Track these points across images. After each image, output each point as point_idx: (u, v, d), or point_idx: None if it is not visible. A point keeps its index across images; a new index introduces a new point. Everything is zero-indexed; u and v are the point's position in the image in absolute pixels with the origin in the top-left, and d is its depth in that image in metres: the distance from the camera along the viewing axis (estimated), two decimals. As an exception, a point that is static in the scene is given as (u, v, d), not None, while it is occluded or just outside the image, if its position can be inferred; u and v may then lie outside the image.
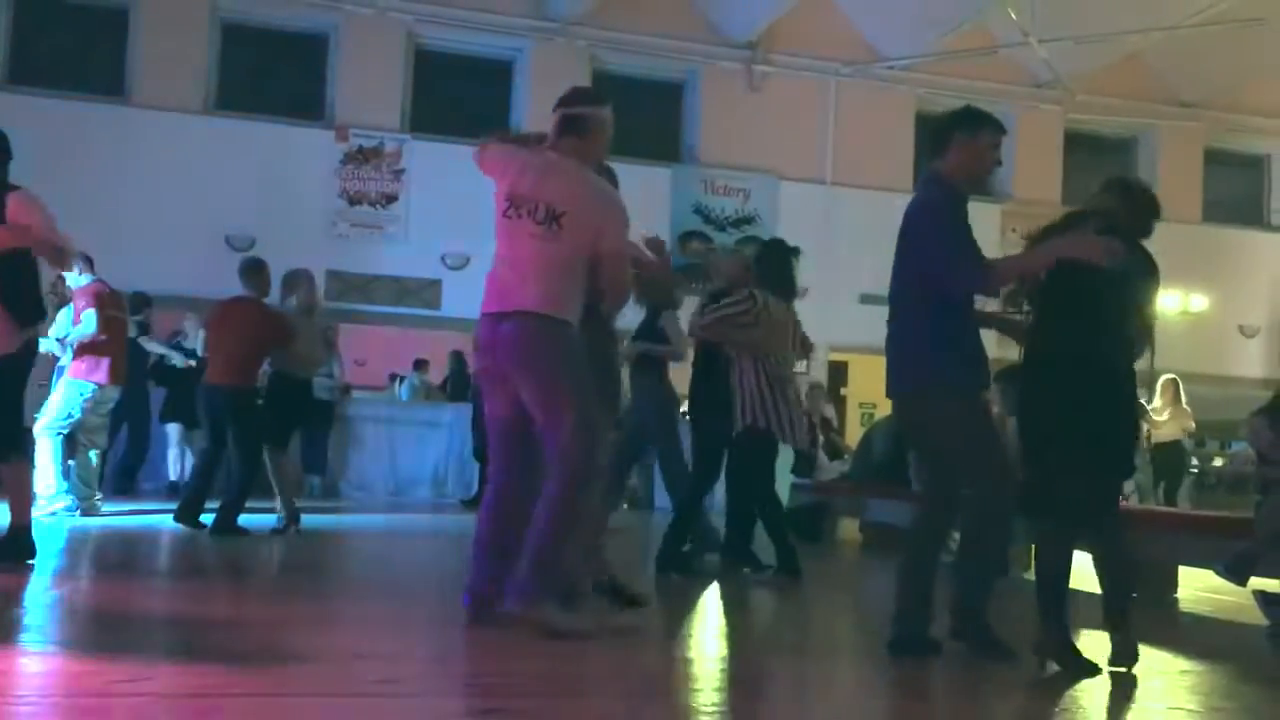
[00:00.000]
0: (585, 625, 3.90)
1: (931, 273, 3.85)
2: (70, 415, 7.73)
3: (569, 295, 3.98)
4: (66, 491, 7.86)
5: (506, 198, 4.06)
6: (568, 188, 4.00)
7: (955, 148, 3.97)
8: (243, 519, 7.06)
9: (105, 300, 7.83)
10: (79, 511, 7.89)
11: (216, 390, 7.24)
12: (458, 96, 14.21)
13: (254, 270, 7.39)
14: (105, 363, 7.76)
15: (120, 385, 8.01)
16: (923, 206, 3.96)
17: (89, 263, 7.95)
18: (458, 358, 11.94)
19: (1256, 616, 5.03)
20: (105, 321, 7.78)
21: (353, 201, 13.49)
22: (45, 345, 7.82)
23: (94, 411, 7.87)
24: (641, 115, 14.89)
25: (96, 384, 7.75)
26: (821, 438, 11.47)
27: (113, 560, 6.07)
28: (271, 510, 7.33)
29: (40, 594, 4.72)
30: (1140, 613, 4.09)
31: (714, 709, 3.23)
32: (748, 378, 5.87)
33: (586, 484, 3.92)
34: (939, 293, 3.86)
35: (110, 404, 8.01)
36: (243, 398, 7.21)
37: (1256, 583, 5.10)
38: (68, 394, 7.74)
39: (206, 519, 7.09)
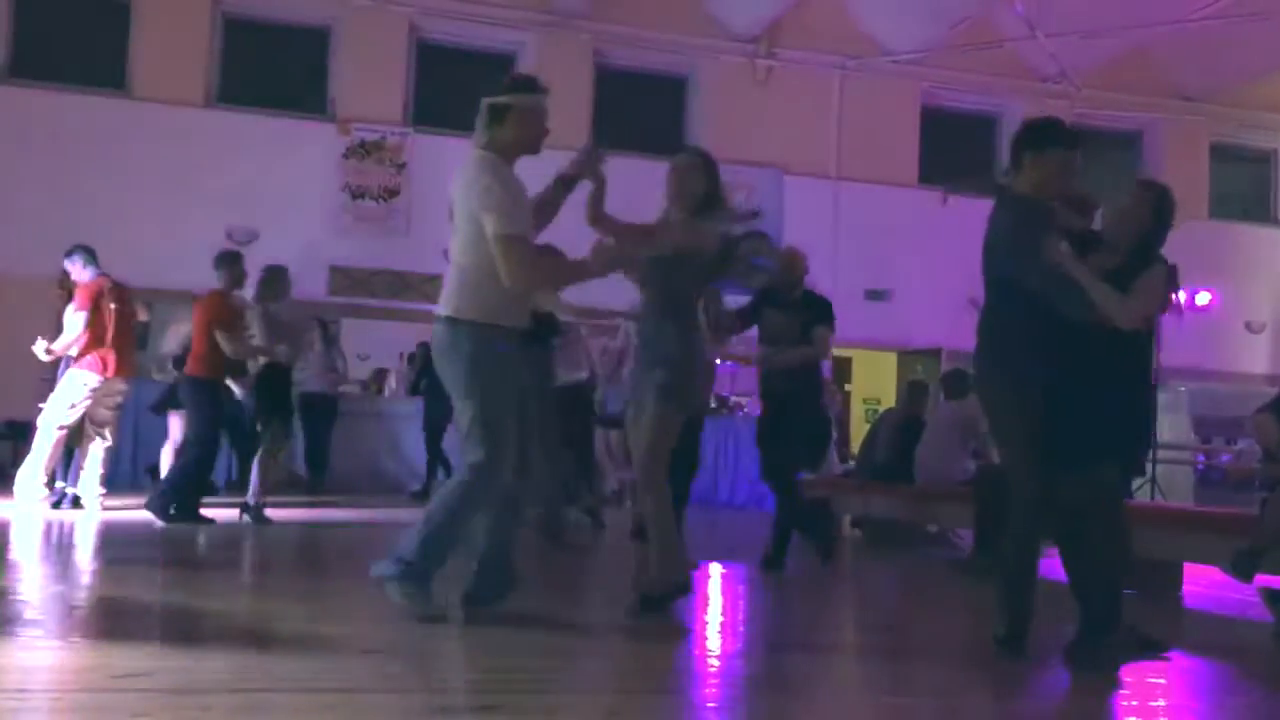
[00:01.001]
0: (430, 610, 3.96)
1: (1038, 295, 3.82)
2: (71, 405, 7.71)
3: (472, 292, 3.95)
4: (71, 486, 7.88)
5: None
6: (458, 179, 4.02)
7: (1027, 165, 3.93)
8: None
9: (107, 295, 7.80)
10: (75, 504, 7.89)
11: (183, 380, 7.56)
12: (460, 90, 14.11)
13: (222, 261, 7.58)
14: (110, 355, 7.76)
15: (128, 377, 7.99)
16: (1002, 230, 3.91)
17: (92, 256, 7.92)
18: (426, 349, 11.83)
19: (1262, 613, 5.00)
20: (109, 315, 7.76)
21: (355, 195, 13.47)
22: (35, 348, 7.81)
23: (101, 404, 7.84)
24: (645, 109, 14.89)
25: (100, 376, 7.74)
26: (835, 434, 11.45)
27: (109, 555, 6.05)
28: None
29: (37, 588, 4.71)
30: (1146, 609, 4.07)
31: (711, 705, 3.21)
32: None
33: (473, 495, 3.96)
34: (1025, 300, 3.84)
35: (119, 396, 7.99)
36: (197, 386, 7.40)
37: (1262, 580, 5.08)
38: (69, 385, 7.73)
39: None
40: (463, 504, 3.97)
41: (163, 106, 12.87)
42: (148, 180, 12.46)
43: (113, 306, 7.85)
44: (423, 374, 11.56)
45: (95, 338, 7.72)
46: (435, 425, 10.79)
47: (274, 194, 12.85)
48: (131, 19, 13.23)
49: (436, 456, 10.97)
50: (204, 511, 7.33)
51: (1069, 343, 3.86)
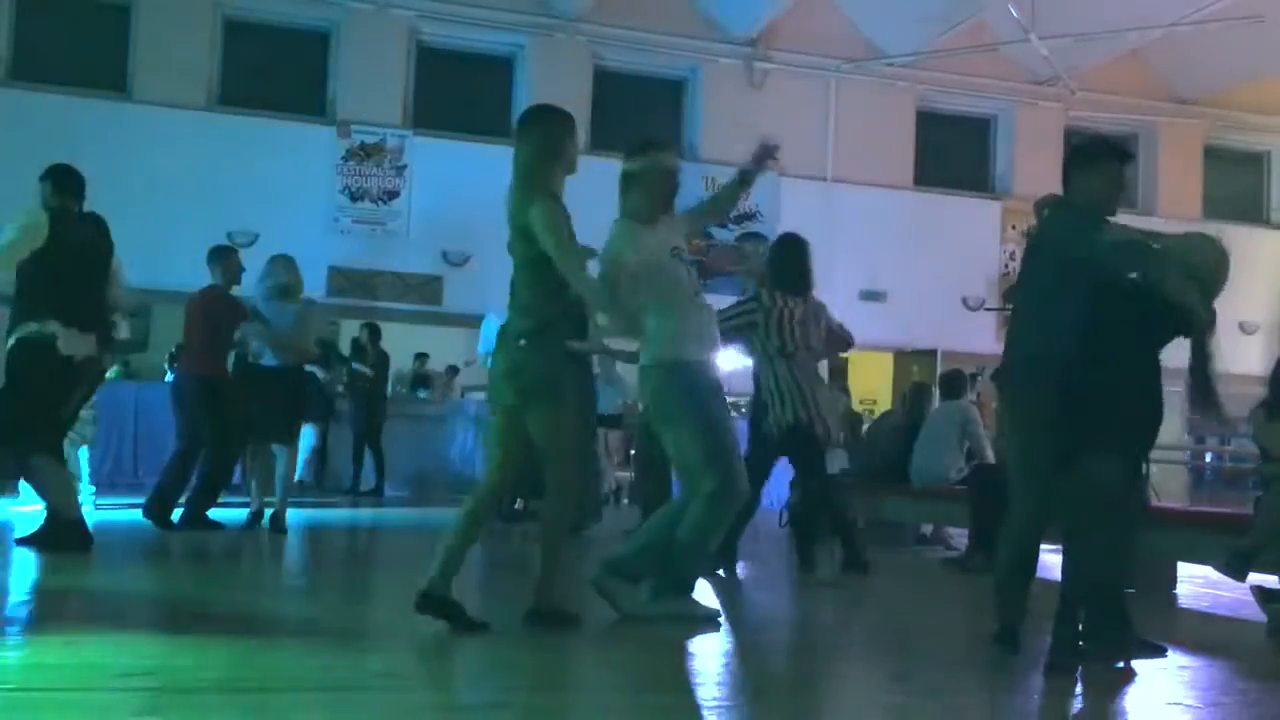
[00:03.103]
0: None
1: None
2: None
3: None
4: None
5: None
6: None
7: (1076, 182, 4.00)
8: (219, 513, 7.06)
9: None
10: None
11: (183, 380, 7.29)
12: (459, 93, 14.22)
13: (214, 257, 7.29)
14: None
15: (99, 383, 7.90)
16: (1058, 225, 4.00)
17: None
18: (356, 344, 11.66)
19: (1255, 612, 5.05)
20: None
21: (354, 197, 13.51)
22: None
23: None
24: (642, 112, 14.93)
25: None
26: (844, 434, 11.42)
27: (107, 554, 6.06)
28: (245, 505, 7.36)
29: (36, 587, 4.73)
30: (1139, 608, 4.12)
31: (715, 704, 3.25)
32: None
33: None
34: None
35: (92, 396, 7.89)
36: (205, 386, 7.05)
37: (1255, 578, 5.12)
38: None
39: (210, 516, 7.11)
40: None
41: (163, 109, 12.91)
42: (148, 183, 12.49)
43: None
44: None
45: None
46: (372, 425, 10.84)
47: (274, 196, 12.89)
48: (132, 22, 13.26)
49: (360, 457, 10.92)
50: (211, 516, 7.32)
51: (1098, 343, 3.86)
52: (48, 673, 3.17)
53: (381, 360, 11.29)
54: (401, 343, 13.99)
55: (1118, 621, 3.84)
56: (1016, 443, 4.12)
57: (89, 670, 3.17)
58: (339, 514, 9.00)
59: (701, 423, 4.21)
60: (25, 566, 5.24)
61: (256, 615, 4.29)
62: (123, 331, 8.25)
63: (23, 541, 5.54)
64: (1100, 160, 4.00)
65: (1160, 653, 3.98)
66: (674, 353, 4.26)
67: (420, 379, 13.12)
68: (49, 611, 4.19)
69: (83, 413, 7.82)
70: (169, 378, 10.82)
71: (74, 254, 5.53)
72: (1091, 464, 3.75)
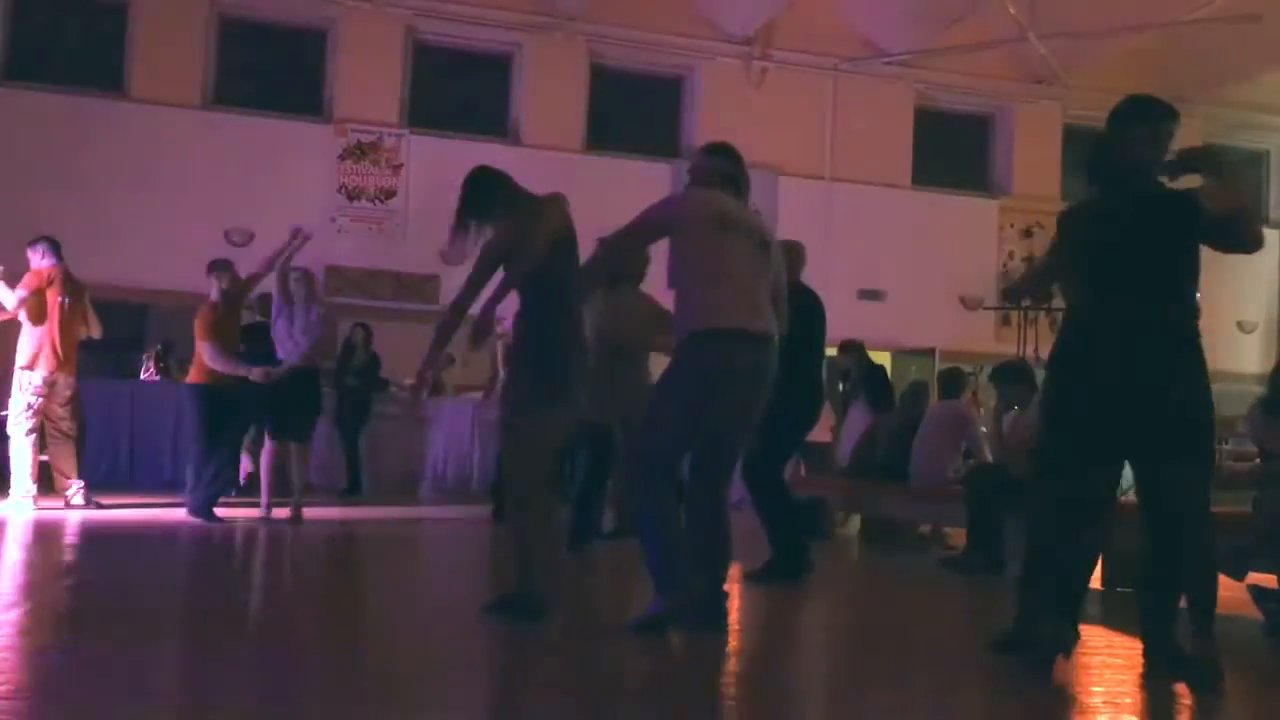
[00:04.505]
0: None
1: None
2: (28, 406, 7.71)
3: None
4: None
5: None
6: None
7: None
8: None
9: (55, 285, 7.76)
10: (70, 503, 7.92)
11: (183, 387, 7.78)
12: (456, 91, 14.21)
13: (210, 271, 7.64)
14: (46, 349, 7.71)
15: (70, 372, 7.91)
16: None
17: (55, 247, 7.90)
18: (347, 343, 11.57)
19: (1252, 611, 5.05)
20: (53, 306, 7.72)
21: (351, 196, 13.49)
22: None
23: (53, 401, 7.81)
24: (640, 111, 14.92)
25: (41, 370, 7.71)
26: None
27: (103, 555, 6.06)
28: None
29: (28, 589, 4.72)
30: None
31: (713, 705, 3.24)
32: None
33: None
34: None
35: (67, 390, 7.89)
36: (189, 391, 7.53)
37: (1253, 578, 5.12)
38: (18, 385, 7.75)
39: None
40: None
41: (159, 108, 12.88)
42: (144, 182, 12.48)
43: (64, 300, 7.78)
44: (349, 370, 11.24)
45: (34, 329, 7.68)
46: (356, 423, 10.82)
47: (270, 195, 12.86)
48: (128, 21, 13.24)
49: (355, 453, 10.89)
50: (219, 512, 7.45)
51: (1129, 333, 3.67)
52: (45, 674, 3.16)
53: (372, 361, 11.25)
54: (397, 344, 13.99)
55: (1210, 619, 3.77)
56: (1055, 437, 3.82)
57: (86, 671, 3.16)
58: (345, 514, 8.99)
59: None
60: (11, 568, 5.23)
61: (258, 619, 4.28)
62: (94, 331, 8.29)
63: None
64: (1138, 120, 3.90)
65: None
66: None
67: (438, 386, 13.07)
68: (42, 614, 4.17)
69: (57, 408, 7.86)
70: (142, 376, 10.88)
71: None
72: (1178, 469, 3.60)
